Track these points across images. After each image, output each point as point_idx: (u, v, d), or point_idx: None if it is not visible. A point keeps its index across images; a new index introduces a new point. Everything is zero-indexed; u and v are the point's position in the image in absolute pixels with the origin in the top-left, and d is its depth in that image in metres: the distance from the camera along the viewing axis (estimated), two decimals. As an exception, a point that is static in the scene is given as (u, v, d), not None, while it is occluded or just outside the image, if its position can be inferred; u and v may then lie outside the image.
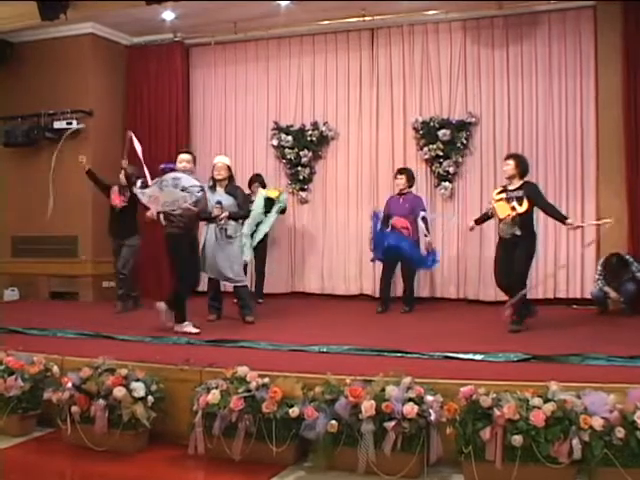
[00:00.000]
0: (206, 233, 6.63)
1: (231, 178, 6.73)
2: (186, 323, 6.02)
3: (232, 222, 6.55)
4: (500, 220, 6.09)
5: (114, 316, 7.25)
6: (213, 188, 6.63)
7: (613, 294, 7.04)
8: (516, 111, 8.17)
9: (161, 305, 6.08)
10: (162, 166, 6.64)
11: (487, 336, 5.80)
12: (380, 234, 7.44)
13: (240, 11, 8.26)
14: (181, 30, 9.12)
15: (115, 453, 4.34)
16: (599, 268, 7.24)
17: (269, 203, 8.02)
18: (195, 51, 9.61)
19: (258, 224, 7.92)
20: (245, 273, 7.37)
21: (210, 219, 6.45)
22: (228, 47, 9.38)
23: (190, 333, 5.89)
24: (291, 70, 9.10)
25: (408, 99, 8.58)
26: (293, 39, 9.05)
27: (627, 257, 7.15)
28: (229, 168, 6.72)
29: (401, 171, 7.62)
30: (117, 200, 7.46)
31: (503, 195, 6.08)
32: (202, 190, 5.96)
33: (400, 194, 7.51)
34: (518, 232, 5.93)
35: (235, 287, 6.72)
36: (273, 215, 8.03)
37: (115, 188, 7.52)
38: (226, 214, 6.40)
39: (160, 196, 5.78)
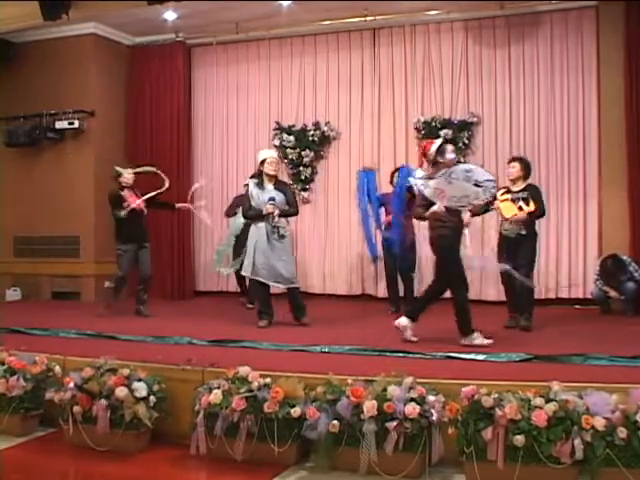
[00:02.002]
0: (254, 233, 6.33)
1: (277, 175, 6.52)
2: (476, 335, 5.35)
3: (283, 220, 6.33)
4: (505, 220, 6.12)
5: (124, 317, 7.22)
6: (261, 185, 6.36)
7: (613, 293, 7.06)
8: (518, 111, 8.17)
9: (402, 321, 5.52)
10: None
11: (489, 336, 5.79)
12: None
13: (242, 11, 8.27)
14: (183, 30, 9.13)
15: (117, 453, 4.34)
16: (597, 269, 7.27)
17: None
18: (197, 51, 9.61)
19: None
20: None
21: (261, 217, 6.25)
22: (230, 47, 9.39)
23: (483, 346, 5.18)
24: (293, 70, 9.11)
25: (410, 99, 8.58)
26: (295, 39, 9.06)
27: (624, 258, 7.14)
28: (279, 164, 6.54)
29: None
30: (141, 203, 7.13)
31: (508, 196, 6.11)
32: (495, 186, 5.37)
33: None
34: (524, 231, 5.98)
35: (288, 289, 6.40)
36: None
37: (128, 192, 7.13)
38: (278, 212, 6.23)
39: (447, 189, 5.15)
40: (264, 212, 6.22)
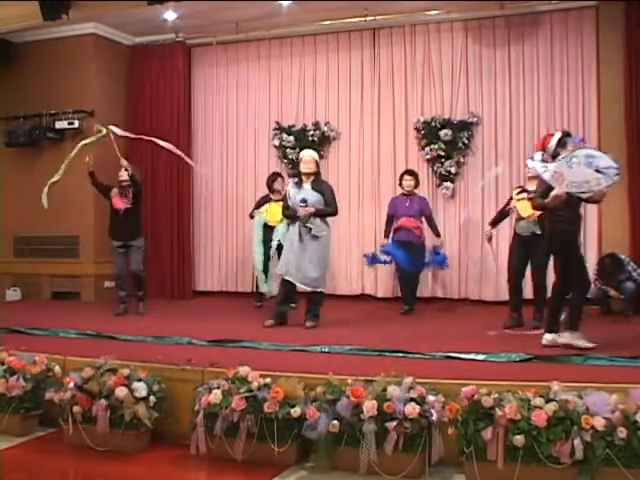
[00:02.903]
0: (290, 233, 6.36)
1: (318, 174, 6.45)
2: (579, 334, 5.15)
3: (317, 220, 6.23)
4: (521, 219, 6.15)
5: (117, 317, 7.25)
6: (299, 184, 6.36)
7: (612, 292, 7.05)
8: (518, 111, 8.17)
9: (547, 338, 5.22)
10: (576, 140, 5.72)
11: (489, 336, 5.80)
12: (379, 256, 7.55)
13: (242, 11, 8.26)
14: (183, 30, 9.13)
15: (117, 453, 4.34)
16: (595, 268, 7.26)
17: None
18: (197, 51, 9.61)
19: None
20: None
21: (295, 217, 6.24)
22: (230, 47, 9.39)
23: (587, 348, 4.97)
24: (292, 70, 9.10)
25: (409, 99, 8.58)
26: (294, 39, 9.05)
27: (622, 257, 7.12)
28: (317, 162, 6.46)
29: (410, 173, 7.60)
30: (120, 203, 7.29)
31: (524, 195, 6.13)
32: (619, 174, 5.07)
33: (405, 195, 7.50)
34: (538, 231, 6.02)
35: (312, 292, 6.34)
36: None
37: (115, 190, 7.34)
38: (312, 210, 6.16)
39: (566, 173, 4.92)
40: (297, 213, 6.22)
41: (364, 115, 8.79)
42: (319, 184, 6.38)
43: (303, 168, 6.36)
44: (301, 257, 6.21)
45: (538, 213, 5.96)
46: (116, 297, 7.56)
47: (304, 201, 6.21)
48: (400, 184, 7.58)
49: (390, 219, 7.50)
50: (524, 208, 6.11)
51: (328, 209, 6.31)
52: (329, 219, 6.45)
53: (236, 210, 9.31)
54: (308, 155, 6.44)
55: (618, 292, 7.02)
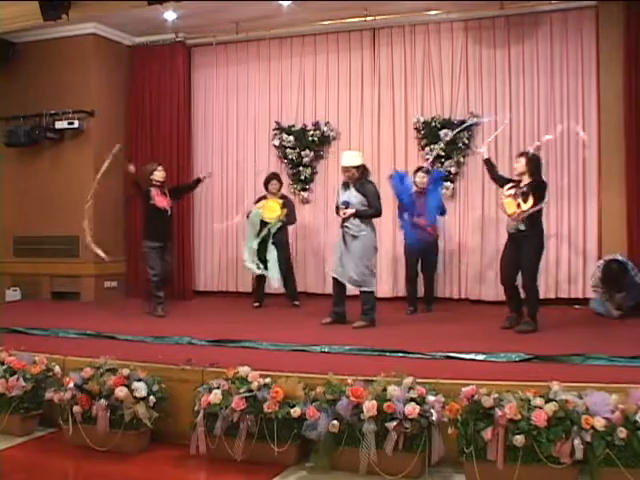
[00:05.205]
0: (338, 233, 6.55)
1: (363, 174, 6.45)
2: None
3: (357, 221, 6.30)
4: (508, 216, 6.14)
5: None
6: (347, 185, 6.46)
7: (615, 312, 6.86)
8: (518, 111, 8.16)
9: None
10: None
11: (489, 336, 5.80)
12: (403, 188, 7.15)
13: (242, 11, 8.26)
14: (183, 30, 9.13)
15: (117, 453, 4.35)
16: (598, 275, 7.03)
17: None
18: (197, 51, 9.61)
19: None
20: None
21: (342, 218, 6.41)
22: (230, 47, 9.39)
23: None
24: (292, 70, 9.09)
25: (409, 99, 8.57)
26: (294, 39, 9.04)
27: (622, 259, 7.00)
28: (357, 166, 6.42)
29: (423, 169, 7.53)
30: (165, 202, 7.29)
31: (512, 192, 6.09)
32: None
33: (419, 192, 7.38)
34: (522, 227, 5.99)
35: (360, 291, 6.46)
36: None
37: (156, 190, 7.29)
38: (352, 211, 6.27)
39: None
40: (342, 216, 6.37)
41: (364, 115, 8.78)
42: (363, 185, 6.42)
43: (344, 177, 6.47)
44: (345, 257, 6.37)
45: (519, 211, 5.94)
46: (153, 299, 7.40)
47: (345, 203, 6.35)
48: (413, 181, 7.51)
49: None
50: (508, 206, 6.09)
51: (370, 210, 6.37)
52: (375, 220, 6.53)
53: (236, 210, 9.28)
54: (347, 164, 6.39)
55: (623, 302, 6.84)
